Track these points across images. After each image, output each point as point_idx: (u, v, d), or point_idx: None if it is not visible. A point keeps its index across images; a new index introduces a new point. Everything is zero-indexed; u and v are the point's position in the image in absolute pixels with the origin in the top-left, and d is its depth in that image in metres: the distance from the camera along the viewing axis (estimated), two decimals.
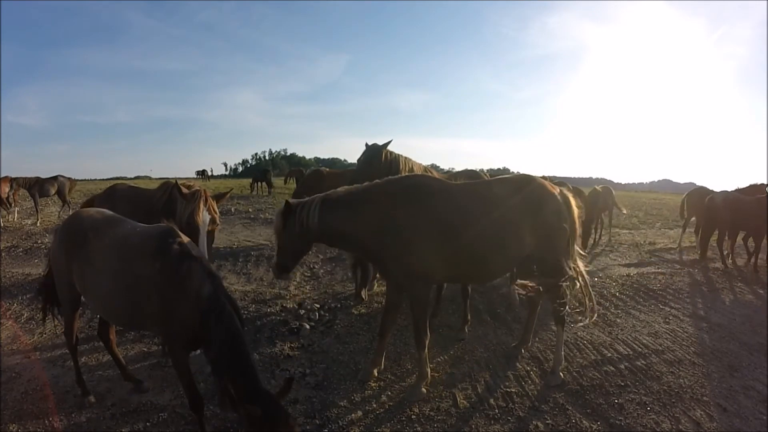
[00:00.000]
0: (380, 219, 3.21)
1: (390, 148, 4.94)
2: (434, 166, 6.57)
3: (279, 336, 4.44)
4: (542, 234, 3.45)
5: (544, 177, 5.97)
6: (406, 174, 4.53)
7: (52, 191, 11.77)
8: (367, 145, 5.08)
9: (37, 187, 11.42)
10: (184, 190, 3.92)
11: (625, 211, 11.29)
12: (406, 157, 5.18)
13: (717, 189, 9.04)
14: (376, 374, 3.70)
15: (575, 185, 9.03)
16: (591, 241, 9.05)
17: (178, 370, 2.69)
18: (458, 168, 6.32)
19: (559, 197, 3.54)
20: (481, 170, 6.29)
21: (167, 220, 2.92)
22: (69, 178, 12.35)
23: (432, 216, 3.22)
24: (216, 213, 3.94)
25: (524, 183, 3.54)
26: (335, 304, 5.36)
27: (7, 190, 11.24)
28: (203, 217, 3.75)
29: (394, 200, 3.25)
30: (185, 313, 2.47)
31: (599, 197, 9.33)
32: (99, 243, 2.80)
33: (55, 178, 11.91)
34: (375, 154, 4.81)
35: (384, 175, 3.74)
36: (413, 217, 3.20)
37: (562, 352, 3.79)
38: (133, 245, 2.66)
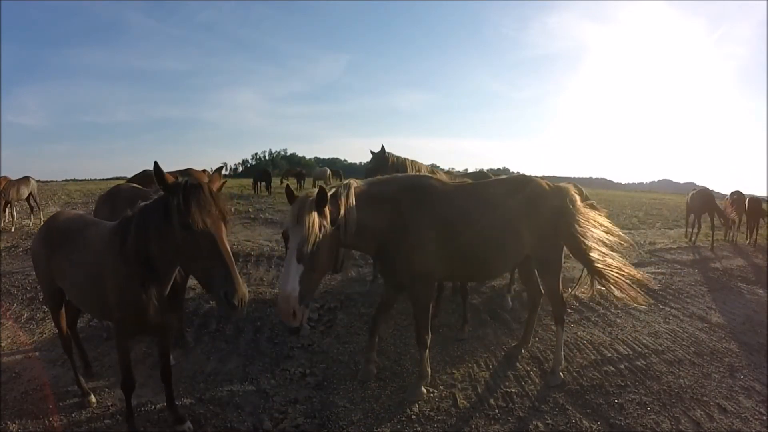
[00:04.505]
0: (391, 216, 3.15)
1: (390, 149, 5.11)
2: (434, 166, 6.66)
3: (279, 336, 4.44)
4: (540, 234, 3.45)
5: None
6: (412, 173, 4.63)
7: (26, 193, 11.12)
8: (372, 152, 5.36)
9: (14, 190, 10.74)
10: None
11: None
12: (412, 160, 5.35)
13: (711, 188, 12.00)
14: (375, 371, 3.67)
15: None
16: None
17: (120, 351, 2.78)
18: (458, 168, 6.43)
19: (557, 196, 3.53)
20: (488, 170, 6.42)
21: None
22: (37, 180, 11.84)
23: (436, 215, 3.21)
24: None
25: (522, 183, 3.55)
26: (335, 304, 5.35)
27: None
28: None
29: (402, 198, 3.20)
30: (134, 288, 2.53)
31: None
32: (75, 241, 2.94)
33: (27, 178, 11.34)
34: (381, 160, 5.03)
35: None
36: (420, 216, 3.17)
37: (562, 353, 3.79)
38: (98, 239, 2.80)
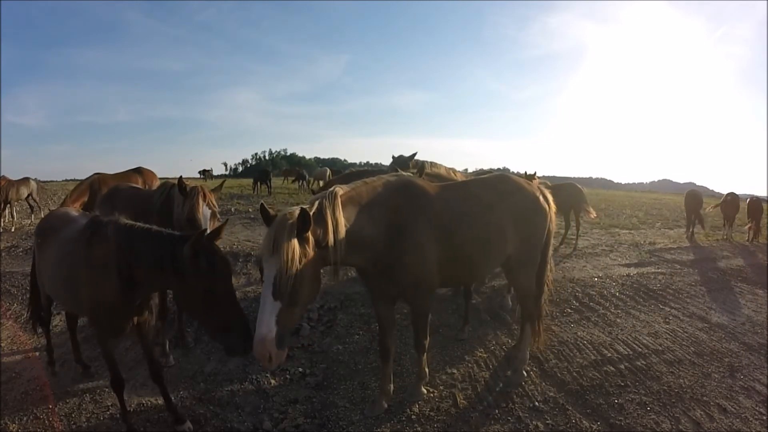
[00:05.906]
0: (387, 218, 2.90)
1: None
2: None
3: None
4: (524, 234, 3.42)
5: (524, 174, 5.99)
6: (395, 173, 4.56)
7: (25, 193, 11.15)
8: (393, 157, 5.38)
9: (13, 190, 10.74)
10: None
11: (593, 215, 8.84)
12: (431, 162, 5.35)
13: (710, 188, 12.12)
14: (386, 406, 3.29)
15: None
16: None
17: (103, 349, 2.85)
18: (458, 168, 6.39)
19: (540, 197, 3.53)
20: (488, 170, 6.42)
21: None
22: (36, 180, 11.80)
23: (432, 215, 3.13)
24: (215, 207, 3.94)
25: (514, 188, 3.49)
26: (335, 304, 5.35)
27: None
28: (204, 212, 3.75)
29: (397, 198, 3.00)
30: (108, 293, 2.56)
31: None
32: (56, 238, 3.01)
33: (26, 179, 11.34)
34: (402, 166, 4.99)
35: None
36: (418, 216, 3.02)
37: (527, 352, 3.80)
38: (73, 236, 2.84)
